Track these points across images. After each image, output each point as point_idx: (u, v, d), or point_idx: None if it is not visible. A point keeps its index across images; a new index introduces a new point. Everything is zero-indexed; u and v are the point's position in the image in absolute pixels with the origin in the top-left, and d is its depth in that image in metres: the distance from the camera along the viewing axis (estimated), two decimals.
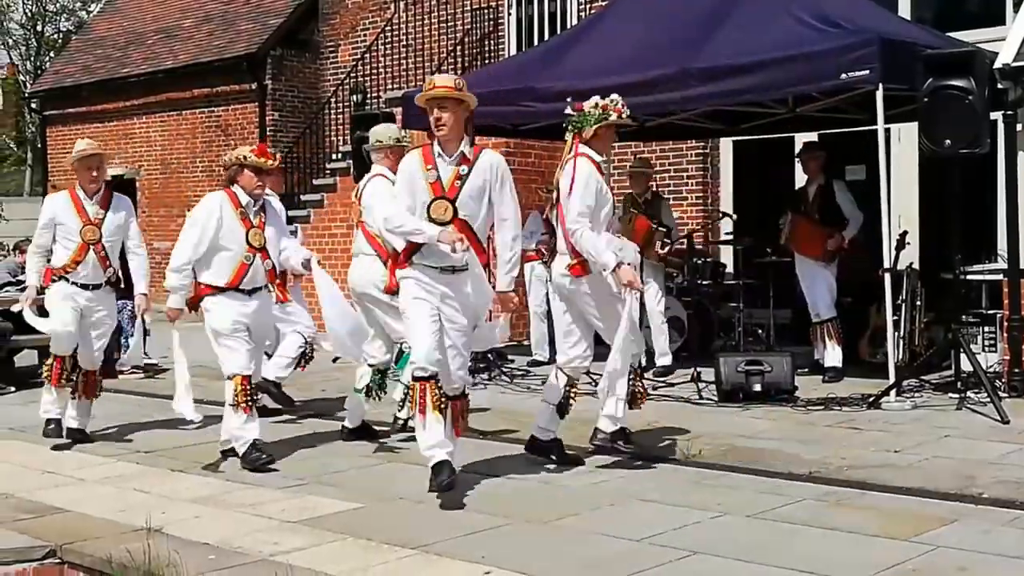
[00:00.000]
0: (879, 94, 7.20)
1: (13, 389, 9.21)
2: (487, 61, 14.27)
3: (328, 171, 14.35)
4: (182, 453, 6.42)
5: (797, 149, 9.54)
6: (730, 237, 10.30)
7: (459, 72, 14.08)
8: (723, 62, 7.75)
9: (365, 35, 16.12)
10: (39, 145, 23.69)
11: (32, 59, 34.01)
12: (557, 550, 4.38)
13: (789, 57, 7.51)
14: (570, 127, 5.86)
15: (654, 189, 9.79)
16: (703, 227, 11.51)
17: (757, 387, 7.56)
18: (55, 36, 33.92)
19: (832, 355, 8.50)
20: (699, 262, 10.23)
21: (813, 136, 10.10)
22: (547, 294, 10.03)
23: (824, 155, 8.84)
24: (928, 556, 4.18)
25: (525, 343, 10.68)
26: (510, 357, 9.82)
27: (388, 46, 15.07)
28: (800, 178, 9.27)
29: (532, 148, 12.22)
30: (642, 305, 8.80)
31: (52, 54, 31.13)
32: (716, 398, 7.67)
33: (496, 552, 4.32)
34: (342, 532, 4.67)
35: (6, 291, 10.26)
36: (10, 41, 34.43)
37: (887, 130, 7.80)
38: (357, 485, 5.50)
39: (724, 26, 8.17)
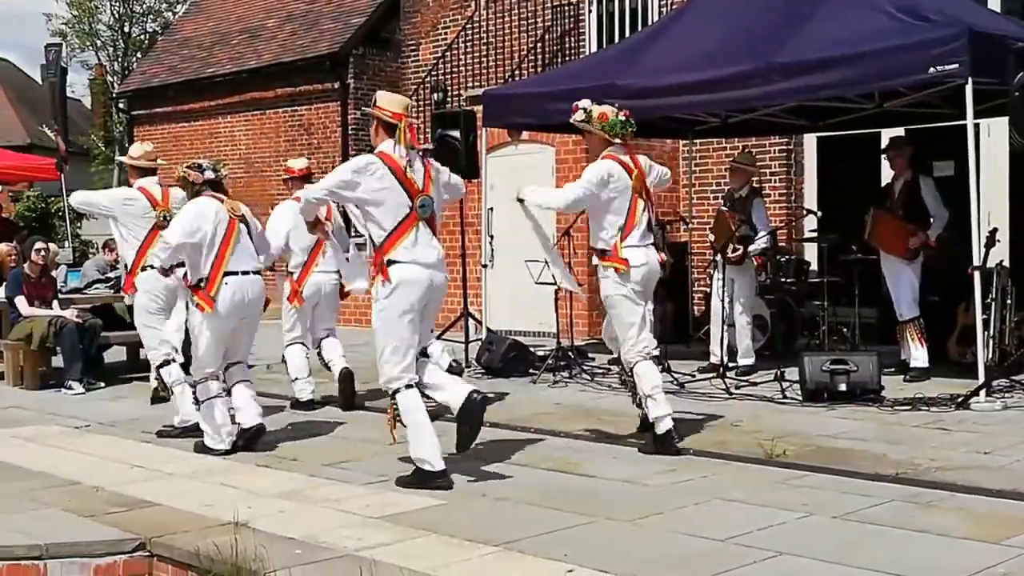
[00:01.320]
0: (968, 88, 7.02)
1: (103, 384, 9.45)
2: (567, 58, 14.25)
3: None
4: (266, 449, 6.52)
5: (883, 145, 9.35)
6: (814, 234, 10.14)
7: (539, 70, 14.10)
8: (808, 57, 7.64)
9: (446, 33, 16.21)
10: (126, 144, 24.24)
11: (119, 60, 34.81)
12: (639, 549, 4.36)
13: (875, 51, 7.36)
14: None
15: (754, 185, 9.46)
16: (786, 224, 11.35)
17: (842, 387, 7.43)
18: (142, 37, 34.66)
19: (916, 355, 8.33)
20: (782, 260, 10.08)
21: (900, 131, 9.89)
22: None
23: (911, 150, 8.65)
24: (1019, 560, 4.08)
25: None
26: (591, 355, 9.80)
27: (468, 44, 15.14)
28: (887, 174, 9.10)
29: None
30: (729, 302, 8.71)
31: (139, 55, 31.83)
32: (800, 398, 7.57)
33: (578, 550, 4.31)
34: (425, 528, 4.70)
35: (96, 288, 10.53)
36: (98, 42, 35.28)
37: (976, 125, 7.61)
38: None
39: (808, 20, 8.05)
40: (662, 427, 6.09)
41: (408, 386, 5.47)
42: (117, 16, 34.71)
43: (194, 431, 6.66)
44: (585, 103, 6.29)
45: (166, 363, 7.18)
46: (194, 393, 6.58)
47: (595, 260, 6.35)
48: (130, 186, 7.70)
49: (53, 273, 10.07)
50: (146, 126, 20.56)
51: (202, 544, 4.50)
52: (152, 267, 6.93)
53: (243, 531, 4.68)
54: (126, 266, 7.19)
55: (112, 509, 5.22)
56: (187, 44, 20.67)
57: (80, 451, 6.73)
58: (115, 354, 10.22)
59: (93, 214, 7.94)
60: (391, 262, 5.46)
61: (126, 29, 34.94)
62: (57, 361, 9.60)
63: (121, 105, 22.91)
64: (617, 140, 6.23)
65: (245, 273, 6.45)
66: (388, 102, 5.66)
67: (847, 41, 7.55)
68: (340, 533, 4.67)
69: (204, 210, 6.45)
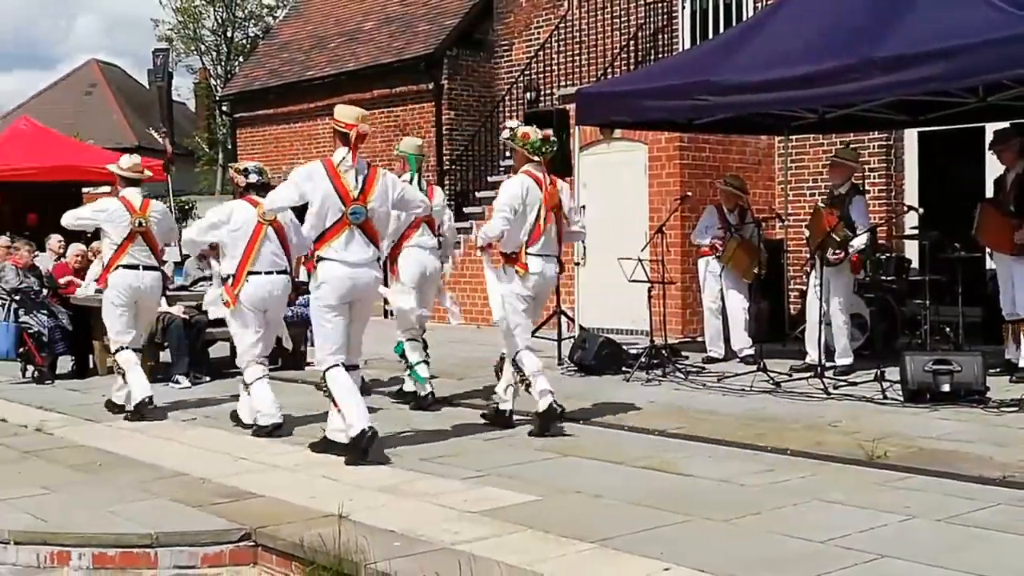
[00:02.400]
0: None
1: (208, 379, 9.73)
2: (660, 55, 14.19)
3: (502, 168, 14.56)
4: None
5: (987, 139, 9.11)
6: (915, 232, 9.92)
7: (632, 67, 14.06)
8: (909, 50, 7.47)
9: (539, 33, 16.27)
10: (229, 146, 24.84)
11: (223, 64, 35.72)
12: (736, 549, 4.34)
13: (979, 44, 7.16)
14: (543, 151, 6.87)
15: (855, 183, 9.34)
16: (886, 221, 11.13)
17: (945, 387, 7.27)
18: (244, 42, 35.51)
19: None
20: (882, 258, 9.90)
21: (1004, 125, 9.63)
22: (721, 290, 9.94)
23: (1019, 142, 8.41)
24: None
25: (699, 339, 10.59)
26: (684, 353, 9.75)
27: (561, 43, 15.17)
28: (991, 169, 8.87)
29: (707, 143, 12.10)
30: (826, 301, 8.59)
31: (241, 59, 32.60)
32: (901, 398, 7.43)
33: (674, 549, 4.31)
34: (521, 523, 4.75)
35: (200, 286, 10.81)
36: (202, 47, 36.25)
37: None
38: (534, 478, 5.57)
39: (908, 13, 7.87)
40: (544, 403, 6.67)
41: (335, 366, 6.15)
42: (220, 21, 35.62)
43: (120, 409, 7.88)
44: (512, 123, 7.04)
45: (120, 349, 7.91)
46: (242, 380, 7.30)
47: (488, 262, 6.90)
48: (114, 194, 8.30)
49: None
50: (248, 128, 21.04)
51: (306, 535, 4.61)
52: (125, 266, 7.86)
53: (345, 523, 4.78)
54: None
55: (218, 500, 5.38)
56: (287, 48, 21.08)
57: (187, 443, 6.95)
58: (220, 350, 10.49)
59: (85, 227, 8.60)
60: (320, 259, 6.14)
61: (229, 34, 35.83)
62: (165, 356, 9.94)
63: (224, 108, 23.47)
64: (536, 158, 6.85)
65: (268, 273, 7.11)
66: (342, 114, 6.28)
67: (949, 34, 7.37)
68: (438, 527, 4.74)
69: (233, 212, 7.19)
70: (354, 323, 6.30)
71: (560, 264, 7.07)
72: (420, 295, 7.64)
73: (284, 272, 7.24)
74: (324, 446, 6.38)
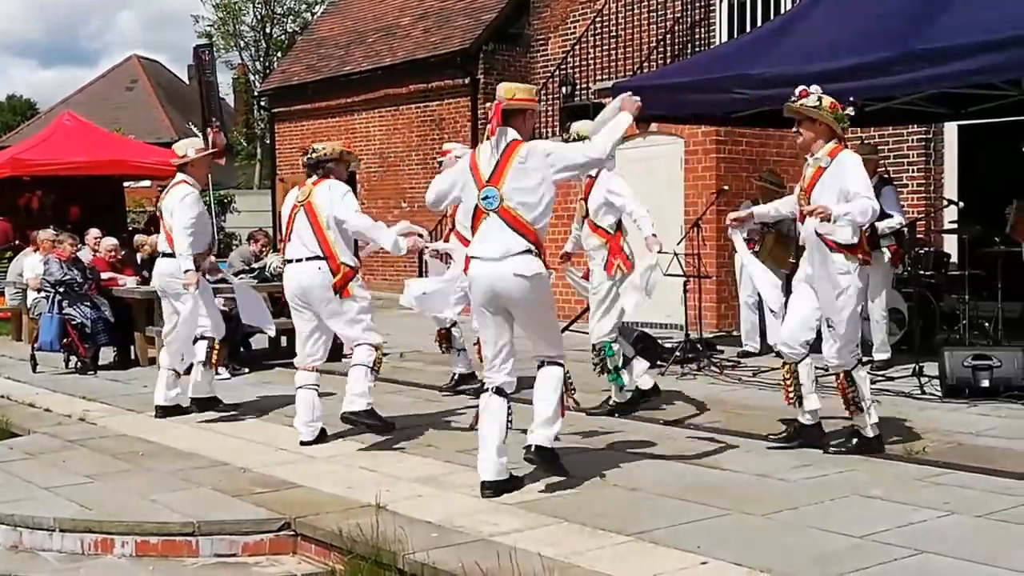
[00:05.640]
0: None
1: (247, 371, 9.83)
2: (697, 49, 14.13)
3: None
4: (403, 435, 6.69)
5: None
6: (955, 226, 9.83)
7: (668, 61, 14.01)
8: (953, 42, 7.39)
9: (575, 27, 16.25)
10: (267, 141, 25.03)
11: (261, 59, 36.00)
12: (774, 543, 4.34)
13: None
14: None
15: (882, 175, 9.31)
16: (925, 215, 11.04)
17: (985, 383, 7.21)
18: (282, 37, 35.77)
19: None
20: (921, 252, 9.82)
21: None
22: None
23: None
24: None
25: (735, 334, 10.55)
26: (719, 348, 9.72)
27: (597, 37, 15.14)
28: None
29: (743, 136, 12.03)
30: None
31: (279, 54, 32.83)
32: (940, 393, 7.37)
33: (712, 542, 4.32)
34: (557, 516, 4.77)
35: (241, 278, 10.91)
36: (241, 43, 36.52)
37: None
38: (571, 470, 5.57)
39: (951, 5, 7.80)
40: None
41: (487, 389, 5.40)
42: (259, 17, 35.90)
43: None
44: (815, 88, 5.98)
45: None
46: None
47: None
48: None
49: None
50: (286, 123, 21.19)
51: (344, 525, 4.66)
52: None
53: (383, 514, 4.83)
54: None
55: (258, 489, 5.44)
56: (324, 43, 21.20)
57: (227, 433, 7.03)
58: (259, 341, 10.59)
59: None
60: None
61: (267, 30, 36.10)
62: None
63: (263, 103, 23.67)
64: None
65: (298, 260, 6.50)
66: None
67: (992, 25, 7.28)
68: (475, 518, 4.77)
69: (289, 197, 6.76)
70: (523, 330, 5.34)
71: None
72: None
73: (317, 258, 6.48)
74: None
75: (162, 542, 4.94)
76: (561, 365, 5.38)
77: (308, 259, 6.48)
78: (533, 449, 5.26)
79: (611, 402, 7.20)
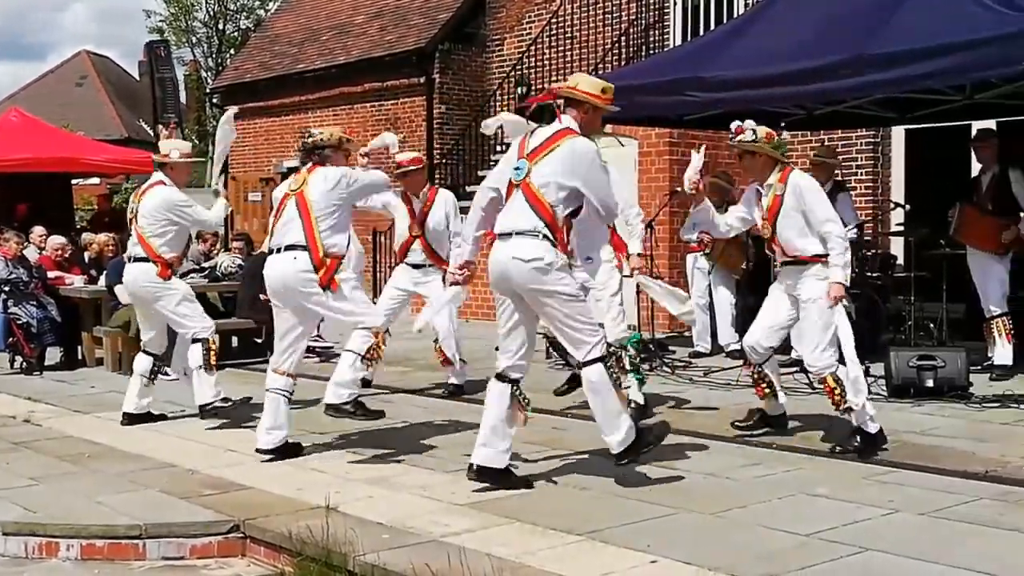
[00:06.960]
0: None
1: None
2: (652, 52, 14.22)
3: (492, 163, 14.57)
4: (354, 436, 6.66)
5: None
6: (901, 228, 9.98)
7: (623, 63, 14.08)
8: (903, 47, 7.50)
9: (530, 28, 16.28)
10: None
11: (214, 56, 35.63)
12: (723, 542, 4.38)
13: (970, 42, 7.19)
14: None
15: (837, 179, 9.44)
16: (872, 218, 11.19)
17: (929, 383, 7.33)
18: (235, 34, 35.42)
19: (1002, 352, 8.17)
20: (868, 254, 9.95)
21: (991, 124, 9.69)
22: (708, 285, 9.99)
23: (998, 142, 8.48)
24: None
25: (686, 334, 10.63)
26: (671, 348, 9.79)
27: (553, 38, 15.19)
28: (977, 167, 8.92)
29: (697, 138, 12.09)
30: None
31: (232, 51, 32.52)
32: (885, 393, 7.48)
33: (661, 541, 4.35)
34: (509, 516, 4.77)
35: (191, 277, 10.80)
36: (194, 39, 36.15)
37: None
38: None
39: (899, 10, 7.91)
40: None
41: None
42: (212, 13, 35.53)
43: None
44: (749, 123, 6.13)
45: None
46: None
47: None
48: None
49: None
50: (239, 121, 20.73)
51: (294, 527, 4.64)
52: None
53: (333, 515, 4.80)
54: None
55: (207, 491, 5.39)
56: (278, 40, 21.06)
57: (176, 435, 6.96)
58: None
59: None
60: None
61: (220, 26, 35.73)
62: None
63: (215, 100, 23.45)
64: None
65: (278, 251, 6.11)
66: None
67: (940, 32, 7.41)
68: (426, 519, 4.77)
69: (282, 185, 6.35)
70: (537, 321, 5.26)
71: None
72: None
73: (295, 248, 6.07)
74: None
75: (108, 545, 4.88)
76: (597, 362, 5.13)
77: (286, 248, 6.06)
78: (615, 458, 5.23)
79: (632, 405, 6.65)
